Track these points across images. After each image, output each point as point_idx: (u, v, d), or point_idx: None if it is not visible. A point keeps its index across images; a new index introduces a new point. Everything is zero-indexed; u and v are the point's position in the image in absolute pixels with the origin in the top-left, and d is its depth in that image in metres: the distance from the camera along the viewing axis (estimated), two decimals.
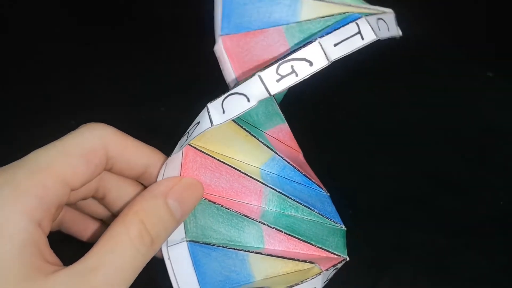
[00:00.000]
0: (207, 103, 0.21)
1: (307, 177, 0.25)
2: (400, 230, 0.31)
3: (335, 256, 0.24)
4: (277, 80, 0.20)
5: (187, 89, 0.38)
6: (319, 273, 0.22)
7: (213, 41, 0.23)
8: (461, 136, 0.35)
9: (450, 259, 0.30)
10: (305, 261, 0.23)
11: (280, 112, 0.24)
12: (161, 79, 0.39)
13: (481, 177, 0.33)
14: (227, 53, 0.23)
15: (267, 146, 0.23)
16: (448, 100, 0.36)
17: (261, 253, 0.23)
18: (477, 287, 0.29)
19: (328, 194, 0.25)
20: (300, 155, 0.26)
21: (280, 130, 0.25)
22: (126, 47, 0.40)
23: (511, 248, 0.30)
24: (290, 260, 0.23)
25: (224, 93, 0.20)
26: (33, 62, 0.40)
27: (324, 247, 0.24)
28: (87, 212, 0.27)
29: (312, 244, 0.23)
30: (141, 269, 0.20)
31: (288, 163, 0.24)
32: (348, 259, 0.24)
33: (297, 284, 0.22)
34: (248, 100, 0.20)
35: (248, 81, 0.20)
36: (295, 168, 0.24)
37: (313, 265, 0.23)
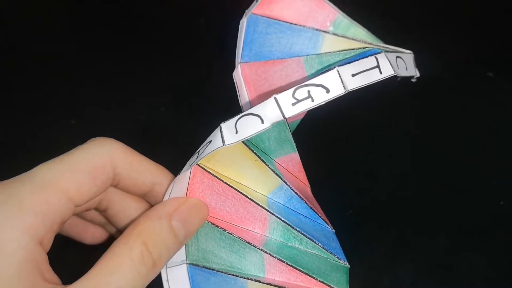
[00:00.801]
0: (221, 122, 0.21)
1: (314, 210, 0.24)
2: (400, 230, 0.31)
3: None
4: (293, 104, 0.20)
5: (187, 90, 0.38)
6: None
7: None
8: (461, 136, 0.35)
9: (450, 259, 0.30)
10: None
11: (292, 139, 0.24)
12: (161, 79, 0.39)
13: (481, 177, 0.33)
14: (244, 80, 0.23)
15: (276, 174, 0.23)
16: (448, 100, 0.36)
17: (260, 282, 0.23)
18: (477, 287, 0.29)
19: (333, 230, 0.25)
20: (308, 189, 0.26)
21: (290, 159, 0.25)
22: (126, 47, 0.40)
23: (511, 248, 0.30)
24: None
25: (238, 113, 0.20)
26: (33, 62, 0.40)
27: (325, 282, 0.23)
28: (87, 219, 0.26)
29: (313, 278, 0.23)
30: None
31: (296, 193, 0.24)
32: None
33: None
34: (262, 122, 0.20)
35: (264, 102, 0.20)
36: (303, 199, 0.24)
37: None
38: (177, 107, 0.37)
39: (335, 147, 0.34)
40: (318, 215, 0.25)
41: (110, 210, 0.25)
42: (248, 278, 0.23)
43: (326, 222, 0.25)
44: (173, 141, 0.34)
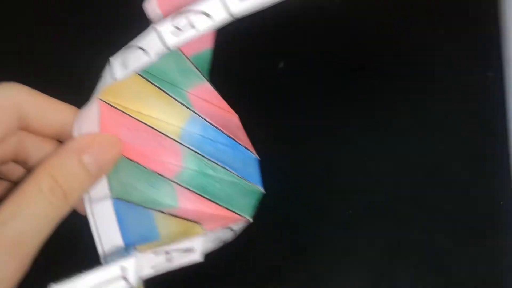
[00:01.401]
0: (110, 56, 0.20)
1: (232, 138, 0.24)
2: (400, 229, 0.31)
3: (238, 216, 0.24)
4: (174, 34, 0.19)
5: None
6: (202, 233, 0.22)
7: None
8: (461, 136, 0.34)
9: (450, 259, 0.30)
10: (190, 220, 0.23)
11: (196, 70, 0.23)
12: None
13: (481, 177, 0.33)
14: None
15: (183, 105, 0.23)
16: (448, 99, 0.36)
17: (163, 212, 0.23)
18: (477, 287, 0.29)
19: (258, 158, 0.25)
20: (234, 117, 0.25)
21: (203, 89, 0.24)
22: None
23: (511, 249, 0.30)
24: (184, 219, 0.23)
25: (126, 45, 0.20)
26: (33, 61, 0.40)
27: (230, 208, 0.24)
28: (14, 180, 0.26)
29: (218, 204, 0.23)
30: (56, 221, 0.20)
31: (209, 123, 0.24)
32: (251, 221, 0.24)
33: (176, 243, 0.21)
34: (147, 54, 0.19)
35: (145, 34, 0.19)
36: (217, 128, 0.24)
37: (196, 224, 0.23)
38: None
39: (336, 147, 0.34)
40: (238, 142, 0.24)
41: (29, 161, 0.24)
42: (155, 210, 0.23)
43: (249, 149, 0.25)
44: None
